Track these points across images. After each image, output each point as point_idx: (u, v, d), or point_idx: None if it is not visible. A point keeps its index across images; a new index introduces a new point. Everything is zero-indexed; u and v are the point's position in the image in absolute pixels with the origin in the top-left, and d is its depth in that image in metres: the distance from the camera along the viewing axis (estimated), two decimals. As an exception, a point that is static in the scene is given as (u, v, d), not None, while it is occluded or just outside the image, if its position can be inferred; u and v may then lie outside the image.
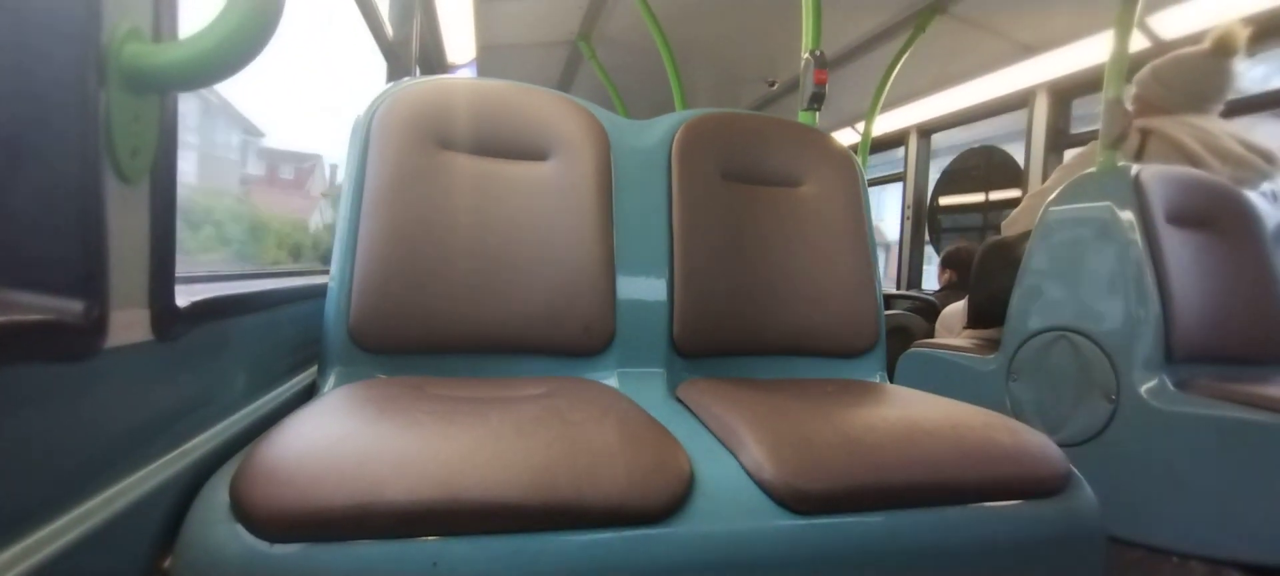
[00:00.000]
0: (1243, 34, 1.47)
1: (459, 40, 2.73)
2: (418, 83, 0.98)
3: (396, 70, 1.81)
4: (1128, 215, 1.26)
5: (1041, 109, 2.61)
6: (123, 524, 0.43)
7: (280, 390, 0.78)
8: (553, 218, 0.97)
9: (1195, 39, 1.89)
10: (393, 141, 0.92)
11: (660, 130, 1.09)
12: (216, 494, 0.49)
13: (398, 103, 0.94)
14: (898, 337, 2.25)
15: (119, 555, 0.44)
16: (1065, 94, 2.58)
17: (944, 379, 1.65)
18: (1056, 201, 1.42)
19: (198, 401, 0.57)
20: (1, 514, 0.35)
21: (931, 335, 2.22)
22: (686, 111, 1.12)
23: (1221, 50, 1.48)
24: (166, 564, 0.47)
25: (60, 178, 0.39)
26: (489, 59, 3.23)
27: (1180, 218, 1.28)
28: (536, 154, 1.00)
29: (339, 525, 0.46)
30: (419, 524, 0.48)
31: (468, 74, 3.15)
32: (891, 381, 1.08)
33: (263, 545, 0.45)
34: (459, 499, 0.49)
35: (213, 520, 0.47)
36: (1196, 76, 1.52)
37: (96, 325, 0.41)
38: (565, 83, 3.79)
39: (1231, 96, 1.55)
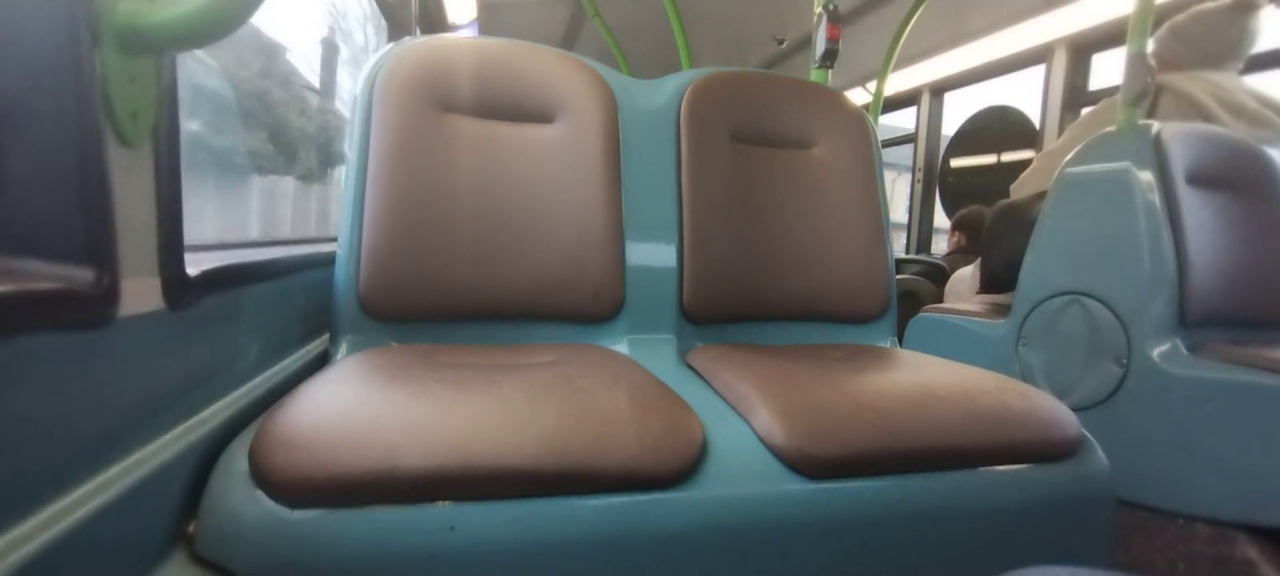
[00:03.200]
0: None
1: (459, -2, 2.65)
2: (418, 43, 0.96)
3: (396, 30, 1.76)
4: (1147, 175, 1.23)
5: (1059, 65, 2.53)
6: (146, 490, 0.44)
7: (293, 358, 0.78)
8: (560, 181, 0.95)
9: (1225, -11, 1.81)
10: (395, 105, 0.90)
11: (668, 90, 1.06)
12: (236, 461, 0.50)
13: (399, 65, 0.92)
14: (907, 302, 2.24)
15: (145, 520, 0.45)
16: (1085, 49, 2.50)
17: (953, 344, 1.64)
18: (1073, 162, 1.39)
19: (212, 370, 0.57)
20: (26, 482, 0.35)
21: (940, 300, 2.21)
22: (695, 71, 1.09)
23: (1244, 5, 1.43)
24: (191, 528, 0.48)
25: (59, 142, 0.39)
26: (490, 18, 3.15)
27: (1201, 178, 1.25)
28: (542, 116, 0.98)
29: (357, 491, 0.47)
30: (435, 489, 0.49)
31: (469, 34, 3.08)
32: (900, 346, 1.08)
33: (283, 510, 0.46)
34: (474, 464, 0.49)
35: (233, 487, 0.48)
36: (1216, 32, 1.47)
37: (108, 294, 0.40)
38: (568, 41, 3.70)
39: (1253, 51, 1.50)
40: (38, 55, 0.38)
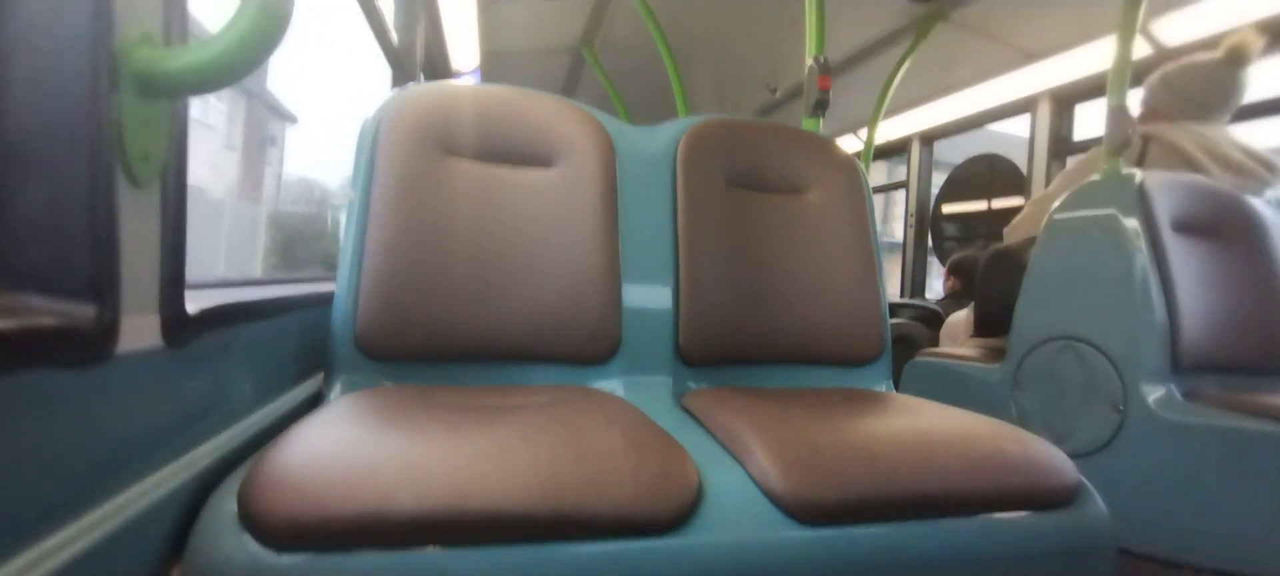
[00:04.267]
0: (1257, 44, 1.46)
1: (463, 47, 2.74)
2: (422, 89, 0.98)
3: (401, 76, 1.81)
4: (1132, 222, 1.26)
5: (1044, 115, 2.61)
6: (132, 531, 0.43)
7: (287, 397, 0.77)
8: (558, 224, 0.96)
9: (1198, 45, 1.89)
10: (398, 148, 0.92)
11: (664, 137, 1.09)
12: (224, 502, 0.49)
13: (403, 109, 0.95)
14: (902, 347, 2.24)
15: (128, 562, 0.44)
16: (1068, 100, 2.58)
17: (949, 388, 1.64)
18: (1061, 209, 1.42)
19: (206, 408, 0.57)
20: (13, 519, 0.35)
21: (935, 344, 2.21)
22: (691, 118, 1.12)
23: (1234, 60, 1.47)
24: (175, 572, 0.47)
25: (72, 181, 0.39)
26: (493, 65, 3.25)
27: (1186, 225, 1.28)
28: (541, 160, 1.00)
29: (346, 534, 0.46)
30: (426, 533, 0.48)
31: (471, 81, 3.17)
32: (896, 390, 1.08)
33: (270, 554, 0.45)
34: (466, 508, 0.49)
35: (220, 529, 0.47)
36: (1206, 85, 1.51)
37: (108, 330, 0.41)
38: (568, 89, 3.81)
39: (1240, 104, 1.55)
40: (58, 97, 0.39)
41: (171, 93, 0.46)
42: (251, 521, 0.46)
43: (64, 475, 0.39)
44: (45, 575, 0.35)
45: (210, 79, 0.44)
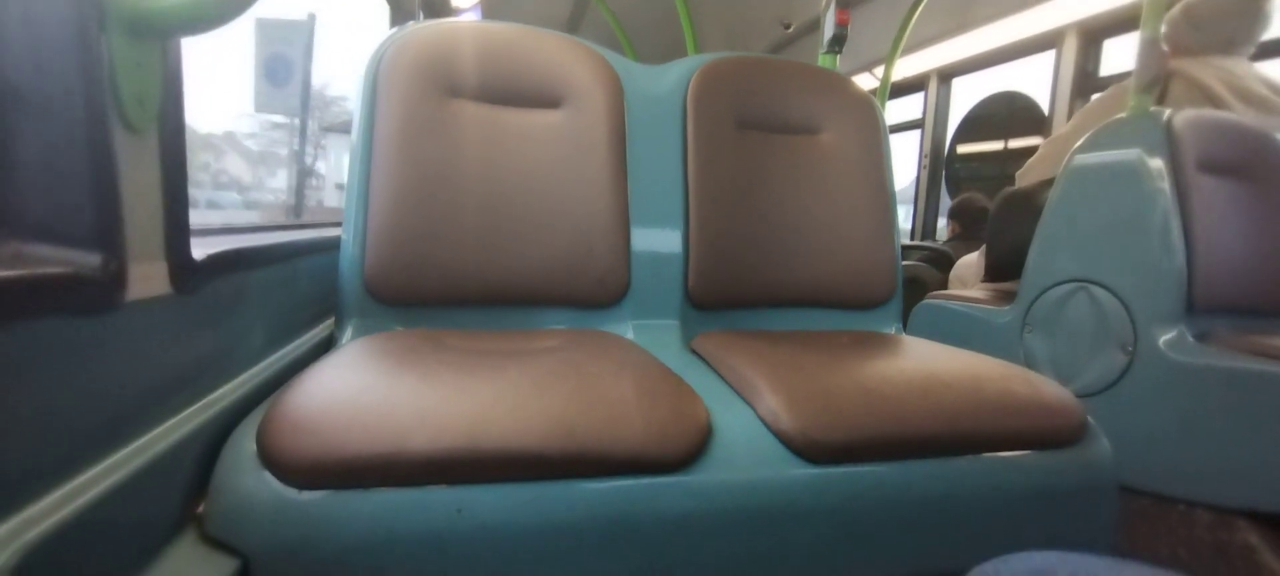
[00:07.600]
0: None
1: (462, -19, 2.63)
2: (423, 27, 0.95)
3: (399, 15, 1.75)
4: (1157, 162, 1.22)
5: (1070, 51, 2.50)
6: (156, 471, 0.44)
7: (299, 342, 0.78)
8: (565, 167, 0.95)
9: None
10: (400, 89, 0.89)
11: (674, 76, 1.05)
12: (244, 443, 0.50)
13: (404, 49, 0.91)
14: (911, 288, 2.23)
15: (155, 501, 0.45)
16: (1096, 34, 2.46)
17: (957, 330, 1.64)
18: (1083, 149, 1.37)
19: (219, 353, 0.58)
20: (40, 463, 0.36)
21: (945, 286, 2.20)
22: (701, 56, 1.08)
23: None
24: (200, 509, 0.49)
25: (67, 128, 0.39)
26: (494, 1, 3.12)
27: (1213, 165, 1.24)
28: (548, 101, 0.97)
29: (365, 473, 0.47)
30: (443, 472, 0.49)
31: (472, 18, 3.05)
32: (905, 332, 1.08)
33: (291, 491, 0.47)
34: (481, 448, 0.50)
35: (242, 468, 0.48)
36: (1231, 17, 1.45)
37: (116, 278, 0.41)
38: (572, 26, 3.67)
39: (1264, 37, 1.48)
40: (46, 42, 0.38)
41: (162, 33, 0.44)
42: (271, 460, 0.48)
43: (87, 419, 0.40)
44: (74, 513, 0.36)
45: (201, 18, 0.43)
